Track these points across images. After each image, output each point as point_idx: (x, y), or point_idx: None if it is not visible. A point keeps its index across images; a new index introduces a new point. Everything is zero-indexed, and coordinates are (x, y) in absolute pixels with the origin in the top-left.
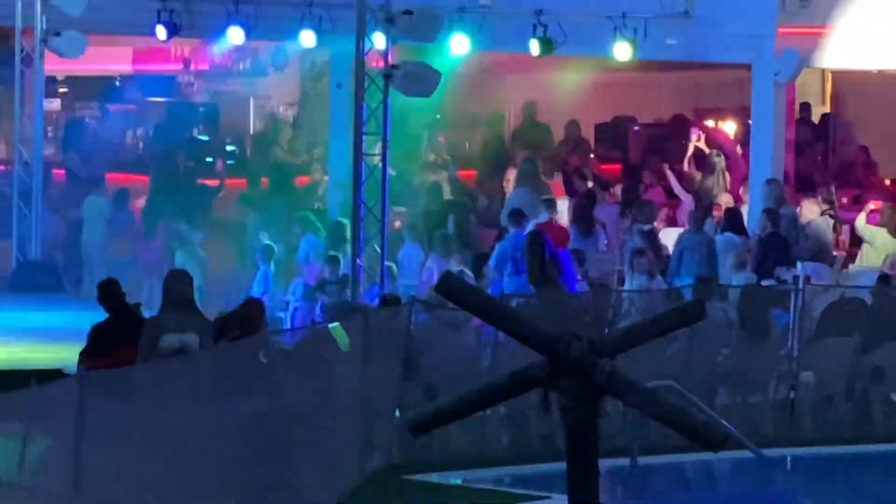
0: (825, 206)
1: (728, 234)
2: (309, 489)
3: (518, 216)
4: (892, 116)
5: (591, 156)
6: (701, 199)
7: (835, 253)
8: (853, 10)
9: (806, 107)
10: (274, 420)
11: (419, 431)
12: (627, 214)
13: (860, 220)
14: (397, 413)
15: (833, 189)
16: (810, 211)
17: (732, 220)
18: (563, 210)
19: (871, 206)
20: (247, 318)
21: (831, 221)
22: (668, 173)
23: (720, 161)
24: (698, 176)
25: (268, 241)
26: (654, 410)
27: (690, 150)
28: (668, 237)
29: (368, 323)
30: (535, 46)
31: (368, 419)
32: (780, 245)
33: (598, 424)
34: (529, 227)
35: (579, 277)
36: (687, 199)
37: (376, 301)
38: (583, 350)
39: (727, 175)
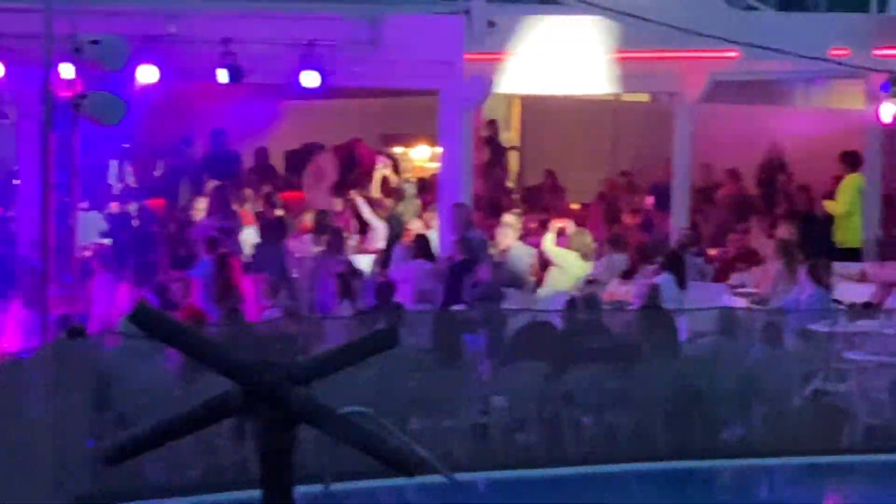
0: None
1: (420, 261)
2: None
3: (212, 243)
4: (578, 141)
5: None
6: (392, 225)
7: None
8: (539, 35)
9: (493, 124)
10: None
11: (114, 461)
12: (319, 242)
13: (548, 243)
14: (90, 444)
15: (520, 213)
16: (506, 237)
17: (421, 246)
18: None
19: (558, 225)
20: None
21: (533, 250)
22: (359, 201)
23: (410, 187)
24: (389, 202)
25: None
26: (348, 437)
27: (379, 177)
28: (361, 264)
29: (58, 354)
30: (223, 75)
31: (60, 452)
32: (471, 270)
33: (292, 451)
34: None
35: (270, 305)
36: (378, 226)
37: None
38: (277, 378)
39: (418, 201)
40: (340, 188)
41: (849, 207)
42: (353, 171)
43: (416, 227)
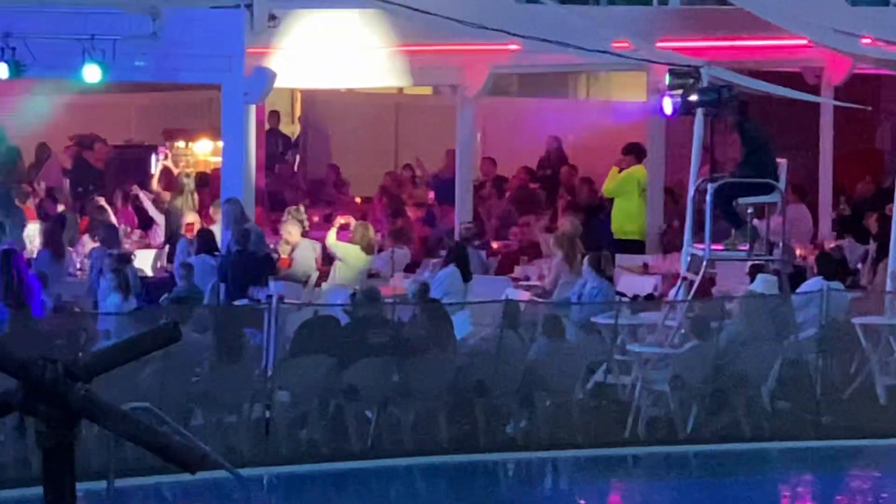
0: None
1: (204, 256)
2: None
3: None
4: (360, 134)
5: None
6: (170, 219)
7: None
8: (321, 29)
9: (275, 115)
10: None
11: None
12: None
13: (331, 238)
14: None
15: (303, 208)
16: (291, 234)
17: (205, 240)
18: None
19: (341, 220)
20: None
21: (318, 245)
22: (141, 195)
23: (189, 182)
24: (168, 196)
25: None
26: (130, 433)
27: (158, 170)
28: (144, 259)
29: None
30: (3, 69)
31: None
32: (251, 263)
33: (74, 448)
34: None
35: (49, 302)
36: (159, 220)
37: None
38: (57, 374)
39: (196, 195)
40: (118, 183)
41: (625, 195)
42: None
43: (192, 219)
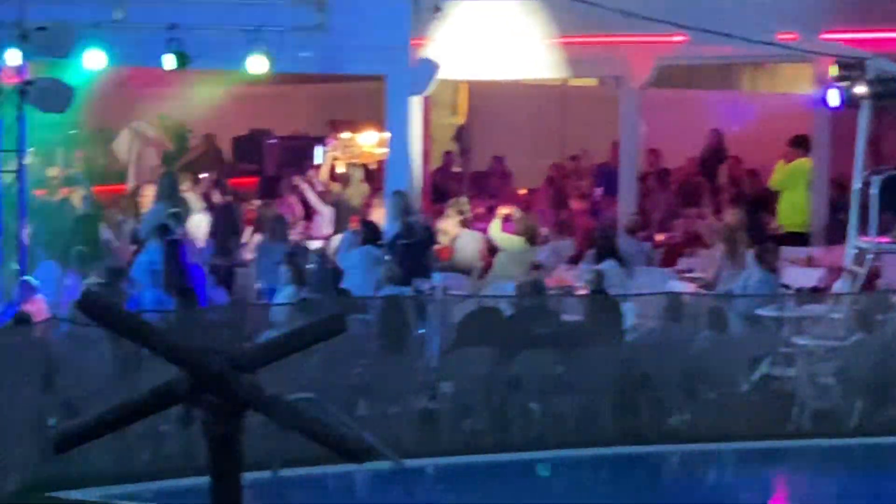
0: (459, 217)
1: (368, 247)
2: None
3: (162, 230)
4: (525, 126)
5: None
6: (340, 210)
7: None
8: (486, 20)
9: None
10: None
11: (63, 448)
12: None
13: (494, 229)
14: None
15: (465, 199)
16: (449, 225)
17: (370, 232)
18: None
19: (503, 211)
20: None
21: (480, 236)
22: (304, 186)
23: (357, 172)
24: (336, 187)
25: None
26: (296, 423)
27: (326, 162)
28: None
29: (5, 341)
30: (169, 60)
31: (6, 438)
32: (416, 255)
33: (240, 438)
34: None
35: (215, 293)
36: (325, 211)
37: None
38: (223, 365)
39: (366, 186)
40: (286, 173)
41: (793, 187)
42: (301, 155)
43: (364, 212)
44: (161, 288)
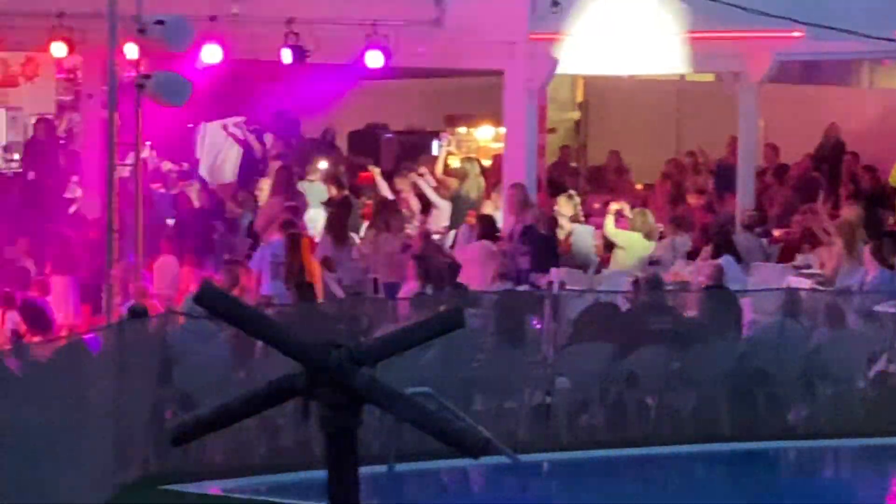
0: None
1: (484, 242)
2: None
3: (287, 223)
4: (641, 121)
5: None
6: (457, 205)
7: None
8: (603, 15)
9: None
10: (24, 432)
11: (180, 442)
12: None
13: (609, 226)
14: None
15: (574, 193)
16: (563, 221)
17: (487, 226)
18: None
19: (615, 206)
20: None
21: (592, 228)
22: (420, 181)
23: (474, 167)
24: (454, 182)
25: None
26: (413, 418)
27: (443, 157)
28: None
29: (122, 334)
30: (286, 55)
31: (123, 431)
32: (533, 250)
33: (357, 432)
34: None
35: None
36: (442, 206)
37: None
38: (341, 358)
39: (483, 180)
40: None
41: None
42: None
43: (483, 207)
44: (282, 280)
